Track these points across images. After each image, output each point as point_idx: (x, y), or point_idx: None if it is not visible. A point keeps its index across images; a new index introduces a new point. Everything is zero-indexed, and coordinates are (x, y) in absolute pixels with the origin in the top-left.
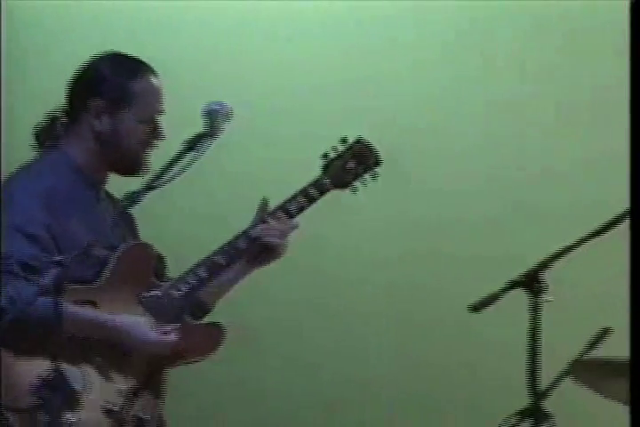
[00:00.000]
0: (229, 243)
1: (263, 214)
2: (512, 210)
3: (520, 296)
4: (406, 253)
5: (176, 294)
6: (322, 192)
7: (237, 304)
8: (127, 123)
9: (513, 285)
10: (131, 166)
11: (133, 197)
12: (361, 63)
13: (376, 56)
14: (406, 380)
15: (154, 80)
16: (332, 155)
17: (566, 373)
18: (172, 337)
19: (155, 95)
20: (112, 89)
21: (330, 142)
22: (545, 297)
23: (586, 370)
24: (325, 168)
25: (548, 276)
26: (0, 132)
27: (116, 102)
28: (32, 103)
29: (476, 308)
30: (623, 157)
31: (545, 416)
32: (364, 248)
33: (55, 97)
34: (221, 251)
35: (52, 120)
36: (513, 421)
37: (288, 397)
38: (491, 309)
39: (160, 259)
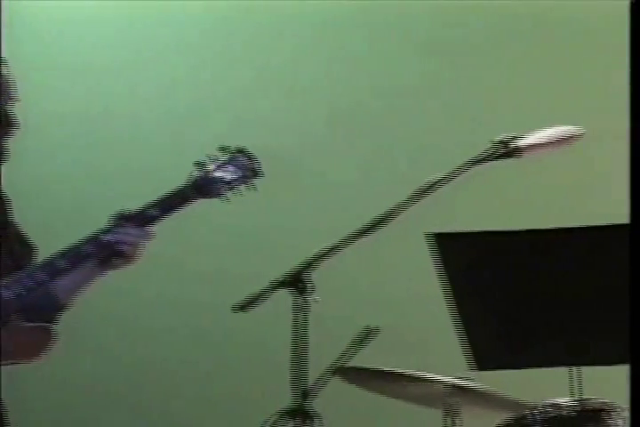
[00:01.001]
0: (73, 247)
1: (118, 220)
2: None
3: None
4: (260, 248)
5: (7, 294)
6: (184, 200)
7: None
8: None
9: (278, 285)
10: None
11: None
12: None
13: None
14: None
15: None
16: (207, 163)
17: (330, 373)
18: None
19: None
20: None
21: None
22: (312, 297)
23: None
24: (195, 177)
25: (314, 276)
26: None
27: None
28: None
29: (242, 307)
30: (623, 159)
31: (310, 416)
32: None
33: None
34: (64, 255)
35: None
36: (278, 421)
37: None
38: None
39: (22, 254)
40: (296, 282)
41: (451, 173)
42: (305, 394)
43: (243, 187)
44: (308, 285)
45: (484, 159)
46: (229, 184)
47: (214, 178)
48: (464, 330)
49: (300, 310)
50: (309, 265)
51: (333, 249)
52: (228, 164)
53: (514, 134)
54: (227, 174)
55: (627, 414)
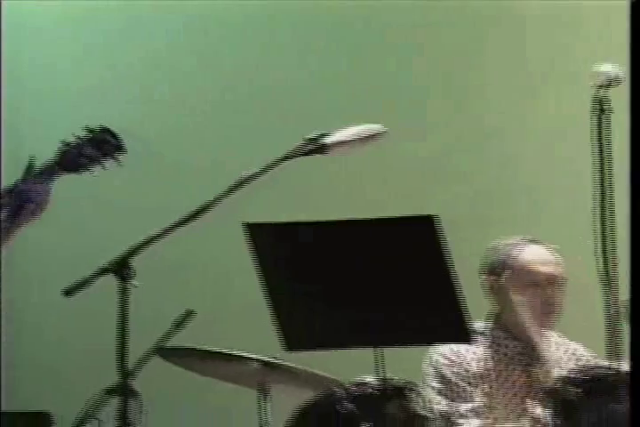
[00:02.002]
0: None
1: (27, 175)
2: None
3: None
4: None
5: None
6: (50, 176)
7: None
8: None
9: (103, 270)
10: None
11: None
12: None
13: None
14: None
15: None
16: (72, 141)
17: (151, 353)
18: None
19: None
20: None
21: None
22: (133, 282)
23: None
24: (59, 153)
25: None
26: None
27: None
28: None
29: (68, 292)
30: (625, 157)
31: (132, 394)
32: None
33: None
34: None
35: None
36: (100, 399)
37: None
38: None
39: None
40: (121, 268)
41: (264, 167)
42: (126, 374)
43: (108, 163)
44: (132, 271)
45: (293, 155)
46: (92, 160)
47: (78, 154)
48: (275, 313)
49: (123, 294)
50: (133, 252)
51: (156, 237)
52: (92, 141)
53: (322, 132)
54: (90, 150)
55: (424, 392)
